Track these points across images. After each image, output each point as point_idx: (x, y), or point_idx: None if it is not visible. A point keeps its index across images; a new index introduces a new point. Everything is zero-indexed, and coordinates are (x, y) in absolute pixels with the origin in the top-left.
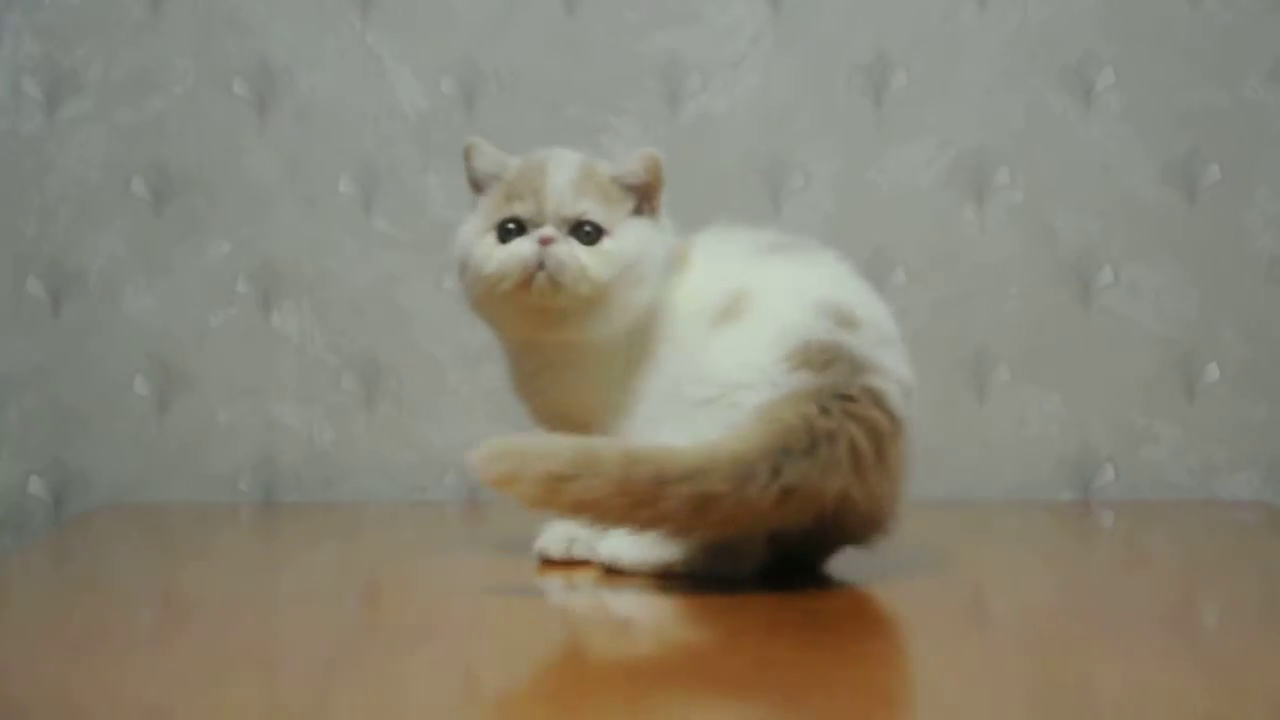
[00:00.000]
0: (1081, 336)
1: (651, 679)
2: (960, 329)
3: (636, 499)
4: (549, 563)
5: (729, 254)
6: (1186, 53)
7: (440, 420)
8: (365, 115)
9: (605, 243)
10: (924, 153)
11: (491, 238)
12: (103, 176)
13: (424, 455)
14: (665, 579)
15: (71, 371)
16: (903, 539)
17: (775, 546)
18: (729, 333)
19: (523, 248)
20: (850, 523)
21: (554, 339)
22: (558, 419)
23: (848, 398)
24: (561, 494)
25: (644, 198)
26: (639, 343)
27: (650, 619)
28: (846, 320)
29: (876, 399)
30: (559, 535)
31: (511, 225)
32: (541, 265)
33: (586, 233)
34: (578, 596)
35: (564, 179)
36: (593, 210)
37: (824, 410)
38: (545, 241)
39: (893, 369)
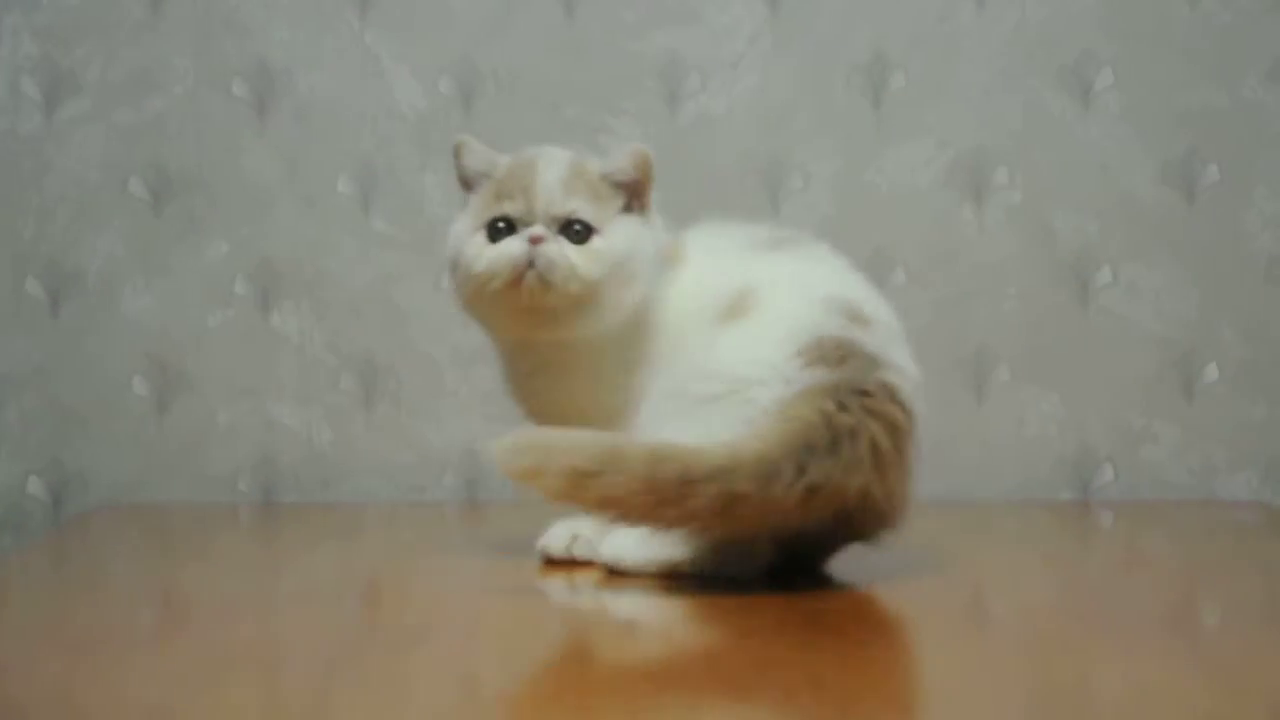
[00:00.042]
0: (1081, 336)
1: (652, 679)
2: (959, 329)
3: (662, 497)
4: (550, 563)
5: (725, 250)
6: (1185, 53)
7: (439, 420)
8: (364, 115)
9: (595, 241)
10: (923, 153)
11: (481, 237)
12: (101, 177)
13: (423, 455)
14: (667, 579)
15: (70, 372)
16: (903, 539)
17: (781, 546)
18: (736, 329)
19: (512, 247)
20: (866, 520)
21: (545, 338)
22: (552, 419)
23: (865, 393)
24: (587, 489)
25: (634, 195)
26: (633, 341)
27: (651, 619)
28: (856, 316)
29: (892, 394)
30: (561, 533)
31: (501, 224)
32: (531, 264)
33: (576, 231)
34: (578, 597)
35: (554, 177)
36: (582, 209)
37: (842, 406)
38: (535, 240)
39: (904, 364)
